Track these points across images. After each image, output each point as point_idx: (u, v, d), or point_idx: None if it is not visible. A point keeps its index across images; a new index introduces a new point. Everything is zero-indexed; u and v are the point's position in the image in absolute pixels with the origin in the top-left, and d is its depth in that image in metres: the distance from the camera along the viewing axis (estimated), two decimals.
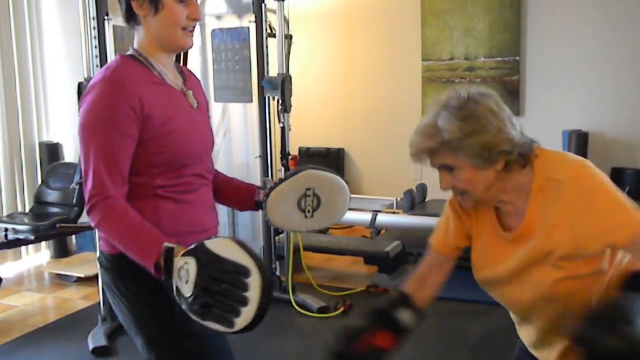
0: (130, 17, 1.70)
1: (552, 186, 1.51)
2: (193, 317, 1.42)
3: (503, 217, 1.61)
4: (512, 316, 1.77)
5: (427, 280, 1.77)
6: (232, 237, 1.44)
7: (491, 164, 1.49)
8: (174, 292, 1.46)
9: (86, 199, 1.60)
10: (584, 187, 1.49)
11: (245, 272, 1.38)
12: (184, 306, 1.43)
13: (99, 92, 1.61)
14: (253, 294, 1.37)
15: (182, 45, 1.74)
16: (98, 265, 1.78)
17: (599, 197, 1.49)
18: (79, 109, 1.67)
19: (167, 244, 1.48)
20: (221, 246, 1.42)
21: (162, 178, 1.68)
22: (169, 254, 1.46)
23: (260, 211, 1.91)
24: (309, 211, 1.84)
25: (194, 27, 1.73)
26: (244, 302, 1.37)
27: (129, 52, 1.73)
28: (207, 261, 1.40)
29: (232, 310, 1.37)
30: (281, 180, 1.83)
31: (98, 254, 1.78)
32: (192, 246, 1.45)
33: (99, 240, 1.77)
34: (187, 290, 1.41)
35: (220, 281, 1.38)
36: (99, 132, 1.59)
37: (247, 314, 1.37)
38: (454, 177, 1.54)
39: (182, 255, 1.44)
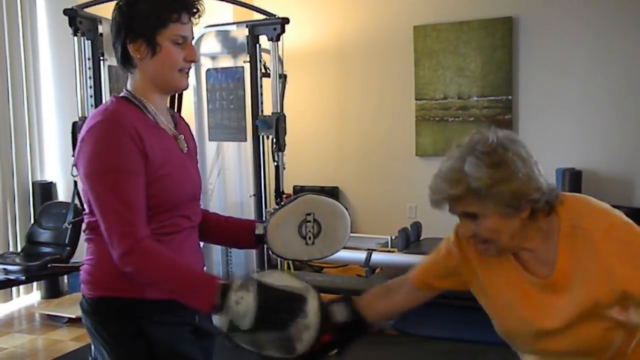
0: (126, 60, 1.69)
1: (581, 234, 1.47)
2: (252, 349, 1.44)
3: (525, 265, 1.54)
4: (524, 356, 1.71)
5: (391, 295, 1.73)
6: (279, 270, 1.48)
7: (519, 212, 1.44)
8: (226, 329, 1.46)
9: (115, 247, 1.55)
10: (618, 237, 1.45)
11: (301, 299, 1.42)
12: (239, 340, 1.44)
13: (99, 135, 1.59)
14: (310, 319, 1.40)
15: (178, 86, 1.74)
16: (80, 309, 1.75)
17: (635, 245, 1.46)
18: (76, 153, 1.64)
19: (222, 281, 1.50)
20: (272, 278, 1.46)
21: (154, 221, 1.65)
22: (226, 291, 1.47)
23: (254, 250, 1.90)
24: (309, 238, 1.83)
25: (190, 68, 1.74)
26: (305, 329, 1.41)
27: (123, 94, 1.72)
28: (264, 292, 1.43)
29: (294, 339, 1.40)
30: (281, 206, 1.82)
31: (80, 298, 1.75)
32: (244, 281, 1.48)
33: (81, 282, 1.73)
34: (247, 323, 1.42)
35: (278, 311, 1.41)
36: (110, 175, 1.57)
37: (306, 339, 1.40)
38: (478, 225, 1.47)
39: (236, 290, 1.46)
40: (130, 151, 1.58)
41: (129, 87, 1.73)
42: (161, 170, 1.64)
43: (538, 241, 1.50)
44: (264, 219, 4.15)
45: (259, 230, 1.87)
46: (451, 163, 1.48)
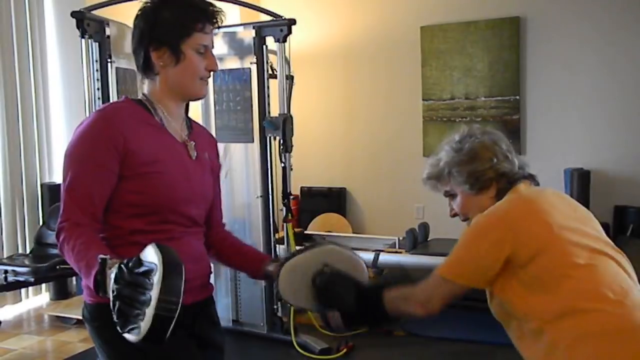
0: (148, 67, 1.71)
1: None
2: (119, 329, 1.34)
3: None
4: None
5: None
6: (160, 243, 1.36)
7: (481, 190, 1.73)
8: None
9: (57, 226, 1.60)
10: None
11: (152, 270, 1.30)
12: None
13: (86, 124, 1.66)
14: (154, 292, 1.27)
15: (197, 94, 1.77)
16: (82, 316, 1.76)
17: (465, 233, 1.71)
18: None
19: (100, 256, 1.42)
20: (145, 251, 1.36)
21: (140, 222, 1.65)
22: (102, 267, 1.40)
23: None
24: None
25: (209, 76, 1.76)
26: (148, 302, 1.27)
27: (138, 97, 1.75)
28: (127, 267, 1.34)
29: (139, 314, 1.28)
30: (298, 251, 1.80)
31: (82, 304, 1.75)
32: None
33: (82, 288, 1.73)
34: (111, 300, 1.34)
35: (132, 284, 1.31)
36: (77, 162, 1.62)
37: (148, 315, 1.27)
38: (455, 202, 1.79)
39: (109, 267, 1.39)
40: (103, 145, 1.61)
41: (145, 91, 1.74)
42: (148, 167, 1.65)
43: None
44: (272, 216, 4.15)
45: (268, 269, 1.86)
46: (436, 153, 1.83)
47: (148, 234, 1.64)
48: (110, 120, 1.64)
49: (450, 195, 1.79)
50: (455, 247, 1.66)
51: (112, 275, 1.36)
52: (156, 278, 1.27)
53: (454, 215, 1.80)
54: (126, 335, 1.32)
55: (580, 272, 1.56)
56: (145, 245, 1.52)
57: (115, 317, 1.34)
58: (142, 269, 1.32)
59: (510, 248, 1.58)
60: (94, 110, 3.50)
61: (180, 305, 1.30)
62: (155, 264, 1.29)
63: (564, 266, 1.57)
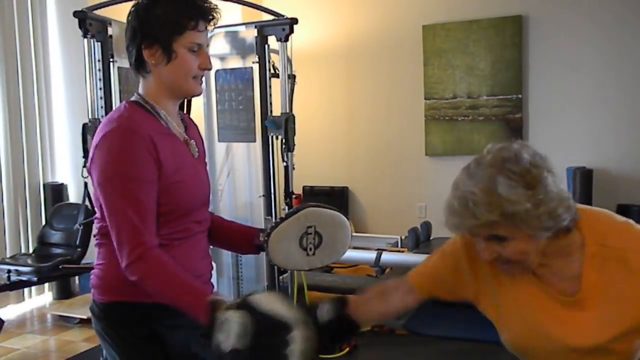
0: (140, 65, 1.68)
1: (611, 254, 1.42)
2: None
3: (543, 280, 1.49)
4: None
5: (386, 297, 1.65)
6: (275, 292, 1.47)
7: (549, 232, 1.36)
8: (212, 346, 1.44)
9: (124, 254, 1.55)
10: None
11: (287, 327, 1.38)
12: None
13: (113, 143, 1.59)
14: (294, 348, 1.37)
15: (191, 93, 1.75)
16: (90, 314, 1.75)
17: None
18: (89, 159, 1.64)
19: (212, 298, 1.49)
20: (265, 301, 1.43)
21: (165, 227, 1.65)
22: (214, 309, 1.46)
23: (264, 253, 1.89)
24: (310, 249, 1.83)
25: (203, 75, 1.74)
26: (285, 357, 1.37)
27: (134, 98, 1.71)
28: (252, 315, 1.40)
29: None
30: (282, 220, 1.81)
31: (91, 302, 1.75)
32: (238, 300, 1.45)
33: (91, 287, 1.74)
34: (229, 344, 1.40)
35: (261, 335, 1.38)
36: (124, 184, 1.56)
37: None
38: (504, 247, 1.38)
39: (226, 308, 1.44)
40: (144, 160, 1.57)
41: (140, 91, 1.72)
42: (174, 177, 1.64)
43: (556, 257, 1.44)
44: (265, 223, 4.15)
45: (258, 240, 1.88)
46: (480, 184, 1.34)
47: (168, 235, 1.65)
48: (139, 132, 1.59)
49: (498, 238, 1.38)
50: None
51: (235, 322, 1.41)
52: (297, 337, 1.40)
53: (506, 261, 1.43)
54: None
55: None
56: (164, 245, 1.61)
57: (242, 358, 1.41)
58: (274, 323, 1.41)
59: None
60: (97, 111, 3.53)
61: None
62: (290, 323, 1.41)
63: None
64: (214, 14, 1.69)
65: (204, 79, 1.78)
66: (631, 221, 1.49)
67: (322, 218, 1.84)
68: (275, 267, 4.08)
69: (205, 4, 1.68)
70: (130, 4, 1.70)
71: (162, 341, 1.67)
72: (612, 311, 1.43)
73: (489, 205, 1.32)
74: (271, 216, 4.14)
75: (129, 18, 1.68)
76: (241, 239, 1.93)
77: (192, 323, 1.51)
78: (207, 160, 1.93)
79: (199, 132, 1.89)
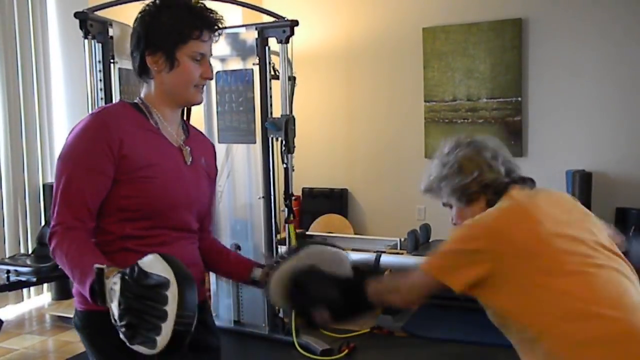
0: (143, 70, 1.70)
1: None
2: (125, 341, 1.36)
3: None
4: None
5: None
6: (162, 253, 1.40)
7: (471, 202, 1.76)
8: (111, 319, 1.39)
9: (49, 229, 1.60)
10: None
11: (165, 284, 1.32)
12: (119, 332, 1.37)
13: (80, 127, 1.64)
14: (170, 307, 1.30)
15: (192, 101, 1.75)
16: (73, 323, 1.75)
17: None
18: None
19: (97, 265, 1.42)
20: (149, 262, 1.37)
21: (132, 227, 1.64)
22: (100, 276, 1.41)
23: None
24: None
25: (204, 84, 1.75)
26: (164, 317, 1.31)
27: (135, 101, 1.74)
28: (132, 278, 1.35)
29: (154, 328, 1.31)
30: (282, 258, 1.81)
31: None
32: (128, 267, 1.40)
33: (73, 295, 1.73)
34: (115, 312, 1.36)
35: (142, 297, 1.33)
36: (71, 166, 1.61)
37: (165, 330, 1.30)
38: (451, 213, 1.82)
39: (113, 275, 1.39)
40: (98, 150, 1.59)
41: (142, 94, 1.74)
42: (142, 171, 1.64)
43: None
44: (274, 217, 4.15)
45: (254, 274, 1.88)
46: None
47: (139, 239, 1.64)
48: (106, 123, 1.62)
49: (447, 206, 1.83)
50: (442, 244, 1.69)
51: (116, 287, 1.36)
52: (171, 293, 1.31)
53: (455, 224, 1.82)
54: (136, 348, 1.34)
55: (574, 279, 1.54)
56: (136, 252, 1.55)
57: (122, 329, 1.35)
58: (150, 282, 1.33)
59: (492, 259, 1.57)
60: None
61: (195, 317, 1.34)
62: (166, 278, 1.32)
63: (555, 274, 1.54)
64: (219, 25, 1.70)
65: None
66: (497, 213, 1.69)
67: (325, 256, 1.85)
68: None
69: (211, 14, 1.69)
70: (131, 5, 1.71)
71: (135, 351, 1.65)
72: None
73: (425, 179, 1.86)
74: (272, 216, 4.14)
75: (135, 24, 1.70)
76: (237, 269, 1.93)
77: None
78: (214, 180, 1.92)
79: (206, 145, 1.90)
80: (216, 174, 1.93)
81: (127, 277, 1.36)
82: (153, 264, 1.35)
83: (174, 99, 1.72)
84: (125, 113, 1.68)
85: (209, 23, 1.69)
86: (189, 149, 1.78)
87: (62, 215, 1.59)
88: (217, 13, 1.71)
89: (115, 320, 1.37)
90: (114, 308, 1.37)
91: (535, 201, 1.69)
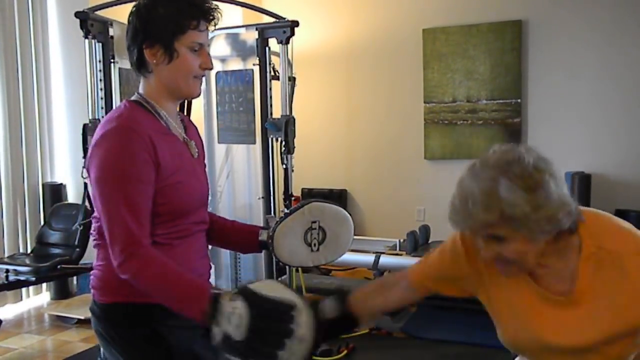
0: (141, 64, 1.68)
1: (607, 256, 1.43)
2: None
3: (537, 280, 1.51)
4: None
5: (385, 292, 1.70)
6: (273, 279, 1.48)
7: (548, 235, 1.38)
8: (219, 339, 1.44)
9: (116, 253, 1.55)
10: None
11: (292, 307, 1.40)
12: (229, 352, 1.43)
13: (112, 142, 1.59)
14: (302, 326, 1.39)
15: (191, 93, 1.74)
16: (91, 315, 1.75)
17: None
18: (87, 157, 1.64)
19: (213, 290, 1.49)
20: (264, 287, 1.44)
21: (162, 227, 1.65)
22: (216, 300, 1.46)
23: (262, 252, 1.90)
24: (315, 245, 1.85)
25: (204, 75, 1.74)
26: (290, 334, 1.38)
27: (134, 98, 1.71)
28: (256, 302, 1.42)
29: (279, 346, 1.38)
30: (286, 215, 1.83)
31: (91, 303, 1.75)
32: (237, 290, 1.46)
33: (91, 288, 1.73)
34: (240, 333, 1.41)
35: (270, 319, 1.40)
36: (121, 183, 1.56)
37: (298, 352, 1.39)
38: (503, 247, 1.40)
39: (228, 300, 1.45)
40: (142, 160, 1.57)
41: (141, 90, 1.72)
42: (173, 177, 1.64)
43: (554, 258, 1.46)
44: (266, 222, 4.16)
45: (262, 236, 1.88)
46: (480, 184, 1.36)
47: (165, 235, 1.66)
48: (139, 132, 1.59)
49: (497, 238, 1.40)
50: None
51: (242, 311, 1.42)
52: (303, 314, 1.41)
53: (505, 263, 1.44)
54: None
55: None
56: (163, 244, 1.63)
57: (248, 350, 1.41)
58: (278, 305, 1.41)
59: None
60: (98, 112, 3.54)
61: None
62: (293, 301, 1.42)
63: None
64: (215, 14, 1.69)
65: (204, 80, 1.79)
66: (631, 225, 1.50)
67: (326, 213, 1.86)
68: (274, 268, 4.10)
69: (207, 4, 1.68)
70: (132, 4, 1.70)
71: (165, 341, 1.66)
72: (603, 313, 1.44)
73: (488, 206, 1.34)
74: (272, 213, 4.15)
75: (130, 18, 1.68)
76: (243, 237, 1.93)
77: (194, 322, 1.51)
78: (206, 161, 1.93)
79: (198, 133, 1.90)
80: (204, 155, 1.92)
81: (251, 302, 1.42)
82: (274, 290, 1.44)
83: (174, 92, 1.71)
84: (140, 117, 1.66)
85: (206, 12, 1.67)
86: (193, 142, 1.79)
87: (129, 235, 1.54)
88: (212, 3, 1.70)
89: (230, 342, 1.42)
90: (236, 330, 1.42)
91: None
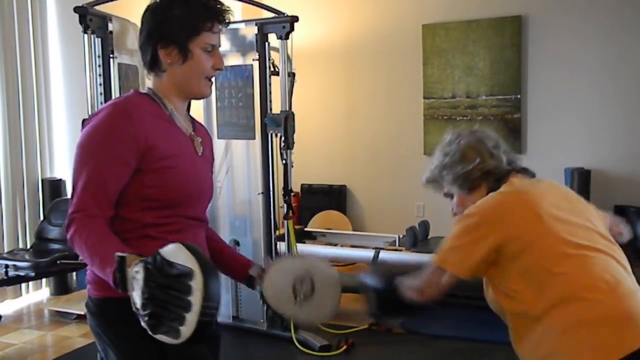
0: (155, 64, 1.71)
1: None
2: (147, 330, 1.37)
3: None
4: None
5: None
6: (185, 242, 1.40)
7: (472, 189, 1.79)
8: (132, 307, 1.40)
9: (67, 216, 1.59)
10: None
11: (189, 274, 1.32)
12: (141, 319, 1.38)
13: (104, 116, 1.63)
14: (195, 297, 1.31)
15: (202, 93, 1.77)
16: (85, 310, 1.75)
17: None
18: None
19: (118, 254, 1.42)
20: (172, 251, 1.37)
21: (154, 215, 1.66)
22: (121, 264, 1.41)
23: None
24: (300, 297, 1.83)
25: (215, 76, 1.77)
26: (188, 307, 1.31)
27: (144, 91, 1.75)
28: (155, 267, 1.35)
29: (178, 318, 1.31)
30: (283, 258, 1.84)
31: (86, 298, 1.75)
32: (149, 256, 1.40)
33: (86, 282, 1.74)
34: (138, 300, 1.36)
35: (165, 287, 1.33)
36: (95, 155, 1.60)
37: (190, 320, 1.31)
38: (452, 203, 1.84)
39: (136, 264, 1.39)
40: (123, 139, 1.59)
41: (151, 85, 1.75)
42: (164, 162, 1.65)
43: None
44: (273, 213, 4.15)
45: (253, 272, 1.89)
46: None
47: (159, 227, 1.66)
48: (128, 112, 1.62)
49: (449, 196, 1.85)
50: (449, 237, 1.72)
51: (139, 276, 1.36)
52: (196, 283, 1.31)
53: (455, 214, 1.83)
54: (159, 337, 1.35)
55: (572, 263, 1.61)
56: (156, 239, 1.60)
57: (145, 318, 1.36)
58: (174, 271, 1.33)
59: (497, 241, 1.63)
60: (97, 107, 3.54)
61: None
62: (190, 268, 1.32)
63: (555, 258, 1.60)
64: (227, 16, 1.73)
65: None
66: (500, 198, 1.73)
67: (321, 269, 1.87)
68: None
69: (220, 6, 1.72)
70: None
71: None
72: None
73: (428, 169, 1.88)
74: (271, 214, 4.15)
75: (144, 18, 1.71)
76: (234, 265, 1.94)
77: None
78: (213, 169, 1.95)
79: (209, 136, 1.92)
80: (213, 163, 1.96)
81: (150, 266, 1.36)
82: (176, 253, 1.36)
83: (185, 91, 1.74)
84: (143, 102, 1.70)
85: (219, 14, 1.71)
86: (200, 140, 1.80)
87: (83, 202, 1.58)
88: (224, 4, 1.74)
89: (137, 309, 1.38)
90: (136, 296, 1.37)
91: (536, 188, 1.75)
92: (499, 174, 1.77)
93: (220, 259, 1.91)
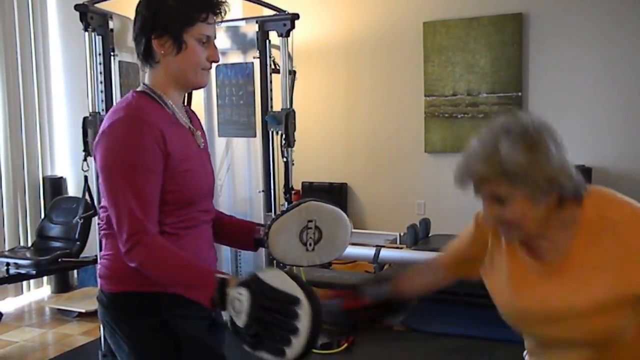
0: (149, 55, 1.69)
1: (607, 224, 1.45)
2: (246, 347, 1.42)
3: (534, 250, 1.52)
4: (529, 346, 1.68)
5: (426, 274, 1.82)
6: (284, 269, 1.47)
7: (547, 199, 1.40)
8: (229, 325, 1.45)
9: (123, 240, 1.56)
10: None
11: (295, 301, 1.39)
12: (239, 339, 1.43)
13: (120, 130, 1.60)
14: (303, 323, 1.38)
15: (198, 84, 1.76)
16: (98, 304, 1.75)
17: None
18: (94, 145, 1.64)
19: (219, 276, 1.48)
20: (273, 277, 1.43)
21: (171, 216, 1.66)
22: (223, 286, 1.46)
23: (263, 248, 1.90)
24: (310, 244, 1.83)
25: (210, 67, 1.75)
26: (295, 331, 1.38)
27: (141, 88, 1.72)
28: (260, 291, 1.41)
29: (283, 340, 1.38)
30: (283, 212, 1.82)
31: (98, 292, 1.75)
32: (246, 277, 1.45)
33: (98, 277, 1.74)
34: (241, 321, 1.41)
35: (271, 311, 1.39)
36: (128, 171, 1.57)
37: (297, 343, 1.38)
38: (504, 209, 1.41)
39: (236, 286, 1.44)
40: (150, 149, 1.58)
41: (147, 81, 1.72)
42: (182, 166, 1.65)
43: (557, 230, 1.46)
44: (265, 220, 4.15)
45: (258, 234, 1.89)
46: (484, 143, 1.41)
47: (174, 224, 1.67)
48: (147, 123, 1.60)
49: (497, 199, 1.43)
50: None
51: (244, 298, 1.42)
52: (304, 311, 1.39)
53: (495, 221, 1.48)
54: (260, 354, 1.42)
55: None
56: (171, 234, 1.63)
57: (246, 337, 1.42)
58: (281, 297, 1.40)
59: None
60: (98, 105, 3.53)
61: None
62: (297, 297, 1.40)
63: None
64: (223, 7, 1.71)
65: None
66: (635, 201, 1.52)
67: (323, 213, 1.84)
68: (274, 263, 4.08)
69: None
70: None
71: (173, 331, 1.66)
72: (591, 279, 1.44)
73: (488, 159, 1.38)
74: (272, 212, 4.15)
75: (139, 8, 1.69)
76: (241, 233, 1.93)
77: (203, 313, 1.51)
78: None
79: (201, 125, 1.91)
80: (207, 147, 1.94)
81: (256, 290, 1.42)
82: (281, 281, 1.42)
83: (181, 82, 1.72)
84: (149, 107, 1.67)
85: (214, 5, 1.69)
86: (199, 132, 1.80)
87: (136, 223, 1.55)
88: None
89: (236, 327, 1.43)
90: (239, 317, 1.43)
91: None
92: (578, 182, 1.46)
93: (226, 231, 1.92)
